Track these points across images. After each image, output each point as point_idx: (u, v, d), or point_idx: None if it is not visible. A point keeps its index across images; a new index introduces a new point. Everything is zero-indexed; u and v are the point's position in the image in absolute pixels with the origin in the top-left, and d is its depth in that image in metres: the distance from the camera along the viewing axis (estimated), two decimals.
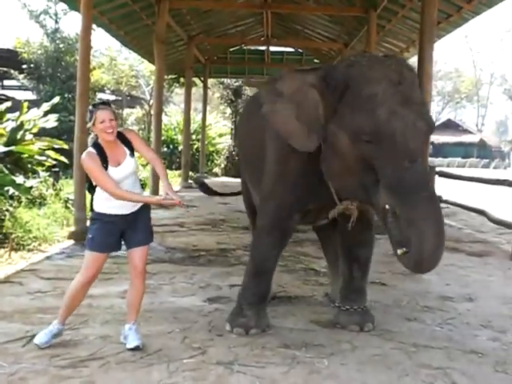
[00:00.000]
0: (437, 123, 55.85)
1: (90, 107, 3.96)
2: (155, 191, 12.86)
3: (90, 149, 3.93)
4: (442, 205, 12.41)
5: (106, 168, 3.87)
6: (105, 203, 3.96)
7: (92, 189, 4.01)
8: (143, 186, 14.75)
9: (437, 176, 11.90)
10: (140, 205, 4.02)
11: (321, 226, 4.99)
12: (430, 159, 8.37)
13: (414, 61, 9.85)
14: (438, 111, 66.81)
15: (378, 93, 3.61)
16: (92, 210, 4.07)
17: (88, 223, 4.29)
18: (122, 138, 3.99)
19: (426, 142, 3.74)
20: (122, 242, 4.12)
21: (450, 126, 56.82)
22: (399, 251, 3.57)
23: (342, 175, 3.87)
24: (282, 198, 4.37)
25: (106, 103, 4.01)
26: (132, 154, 4.00)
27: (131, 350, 3.95)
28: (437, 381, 3.69)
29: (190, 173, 19.80)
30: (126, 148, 3.99)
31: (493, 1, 9.73)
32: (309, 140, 3.90)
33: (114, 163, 3.91)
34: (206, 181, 20.34)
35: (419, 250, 3.44)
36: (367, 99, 3.63)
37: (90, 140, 4.03)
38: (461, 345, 4.35)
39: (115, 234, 4.03)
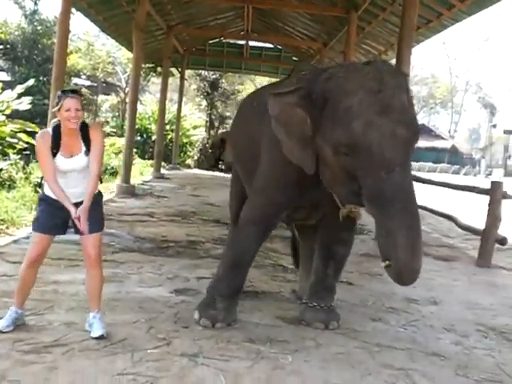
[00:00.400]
0: None
1: (59, 92, 3.94)
2: (126, 179, 12.79)
3: (48, 129, 3.94)
4: None
5: (55, 154, 3.85)
6: None
7: None
8: (115, 173, 14.68)
9: None
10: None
11: (303, 223, 5.02)
12: None
13: (392, 64, 9.91)
14: None
15: (353, 105, 3.62)
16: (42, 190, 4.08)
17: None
18: (85, 132, 3.93)
19: (410, 149, 3.68)
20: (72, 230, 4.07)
21: (423, 130, 56.96)
22: (382, 264, 3.62)
23: (334, 184, 3.91)
24: (272, 196, 4.39)
25: (75, 91, 3.96)
26: (87, 152, 3.93)
27: (96, 338, 3.93)
28: (398, 381, 3.72)
29: (163, 163, 19.72)
30: (83, 145, 3.92)
31: (472, 9, 9.84)
32: (306, 155, 3.93)
33: (66, 153, 3.88)
34: (178, 172, 20.30)
35: (396, 263, 3.49)
36: (343, 112, 3.65)
37: (52, 123, 4.02)
38: (423, 347, 4.40)
39: (59, 217, 3.97)
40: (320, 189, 4.08)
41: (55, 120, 3.97)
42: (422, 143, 53.65)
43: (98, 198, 4.06)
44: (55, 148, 3.85)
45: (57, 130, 3.89)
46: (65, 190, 3.86)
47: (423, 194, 14.12)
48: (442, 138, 58.29)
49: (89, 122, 4.05)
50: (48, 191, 3.97)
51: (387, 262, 3.55)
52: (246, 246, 4.50)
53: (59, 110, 3.82)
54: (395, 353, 4.22)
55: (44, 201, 4.01)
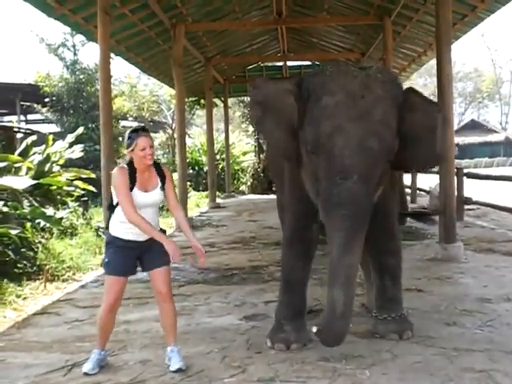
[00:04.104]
0: (460, 124, 55.49)
1: (131, 133, 3.99)
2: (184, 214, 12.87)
3: (123, 165, 3.99)
4: (473, 206, 12.34)
5: (132, 187, 3.92)
6: (121, 227, 3.99)
7: (112, 208, 4.05)
8: None
9: (465, 177, 11.82)
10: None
11: None
12: (456, 161, 8.34)
13: (433, 64, 9.82)
14: (461, 112, 66.30)
15: (329, 105, 3.63)
16: (108, 230, 4.11)
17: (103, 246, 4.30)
18: (158, 169, 4.06)
19: (377, 162, 3.65)
20: (138, 268, 4.16)
21: (475, 126, 56.31)
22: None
23: (306, 183, 3.94)
24: (295, 210, 4.45)
25: (145, 129, 4.07)
26: (162, 188, 4.04)
27: (174, 372, 3.96)
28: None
29: (217, 192, 19.85)
30: (159, 179, 4.03)
31: None
32: (290, 147, 3.97)
33: (142, 188, 3.95)
34: (233, 199, 20.35)
35: (330, 262, 3.59)
36: (319, 110, 3.68)
37: (123, 161, 4.12)
38: (502, 346, 4.29)
39: (131, 258, 4.05)
40: None
41: (123, 160, 4.08)
42: (475, 139, 52.80)
43: (163, 232, 4.11)
44: (131, 183, 3.92)
45: (131, 165, 3.97)
46: (137, 229, 3.91)
47: (484, 191, 13.90)
48: (495, 132, 57.06)
49: (158, 162, 4.16)
50: (115, 232, 4.01)
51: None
52: (290, 265, 4.51)
53: (133, 150, 3.90)
54: (474, 355, 4.13)
55: (112, 243, 4.04)
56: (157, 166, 4.06)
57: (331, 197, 3.55)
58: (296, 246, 4.47)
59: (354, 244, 3.58)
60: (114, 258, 4.02)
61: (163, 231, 4.13)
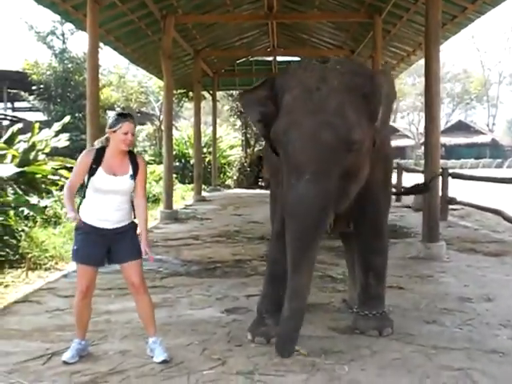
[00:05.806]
0: (447, 125, 55.78)
1: (118, 115, 3.98)
2: (169, 205, 12.88)
3: (93, 147, 4.02)
4: (457, 206, 12.40)
5: (95, 168, 3.87)
6: (89, 212, 3.94)
7: (82, 191, 4.01)
8: (157, 200, 14.79)
9: (450, 178, 11.89)
10: (125, 222, 4.02)
11: (345, 233, 5.00)
12: (442, 161, 8.39)
13: (422, 63, 9.88)
14: (449, 113, 66.64)
15: (288, 102, 3.62)
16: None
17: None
18: (133, 159, 4.02)
19: (334, 156, 3.48)
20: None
21: (461, 127, 56.65)
22: None
23: None
24: None
25: (132, 117, 4.04)
26: (133, 177, 3.98)
27: (159, 363, 3.95)
28: (458, 382, 3.67)
29: (203, 186, 19.82)
30: (131, 168, 3.98)
31: (497, 0, 9.71)
32: None
33: (109, 170, 3.91)
34: (219, 193, 20.31)
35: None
36: (282, 108, 3.68)
37: (97, 142, 4.07)
38: (481, 345, 4.33)
39: (101, 247, 3.97)
40: None
41: (99, 140, 4.04)
42: (462, 140, 53.12)
43: (134, 225, 4.09)
44: (96, 163, 3.88)
45: (102, 149, 3.96)
46: (104, 214, 3.92)
47: (468, 191, 13.99)
48: (482, 133, 57.44)
49: (135, 151, 4.14)
50: (84, 218, 3.92)
51: None
52: (277, 259, 4.45)
53: (115, 131, 3.88)
54: (453, 353, 4.16)
55: (81, 229, 3.95)
56: (132, 155, 4.03)
57: (285, 203, 3.47)
58: (283, 240, 4.46)
59: (302, 264, 3.58)
60: (82, 245, 3.95)
61: (134, 224, 4.09)
